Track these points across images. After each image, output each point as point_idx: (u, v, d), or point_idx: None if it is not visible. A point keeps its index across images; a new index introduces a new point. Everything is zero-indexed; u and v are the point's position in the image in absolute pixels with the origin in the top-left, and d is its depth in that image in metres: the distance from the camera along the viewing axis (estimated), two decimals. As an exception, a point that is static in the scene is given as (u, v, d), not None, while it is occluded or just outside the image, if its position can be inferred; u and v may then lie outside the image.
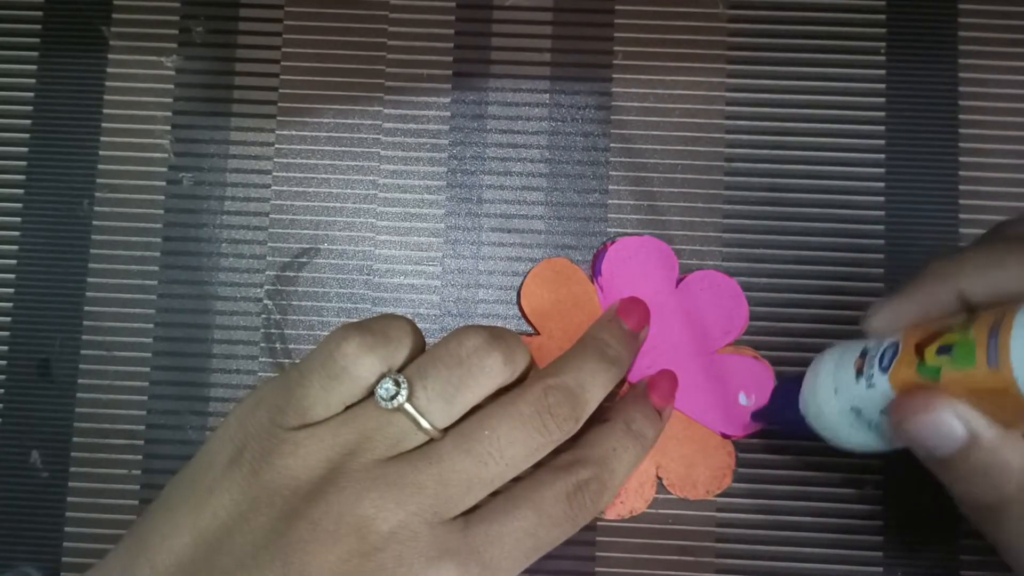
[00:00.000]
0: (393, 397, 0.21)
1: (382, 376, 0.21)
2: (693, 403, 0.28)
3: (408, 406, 0.21)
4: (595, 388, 0.24)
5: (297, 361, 0.29)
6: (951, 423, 0.21)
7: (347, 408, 0.22)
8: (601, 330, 0.26)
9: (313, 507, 0.20)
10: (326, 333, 0.29)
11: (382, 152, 0.30)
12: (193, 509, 0.21)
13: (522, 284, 0.29)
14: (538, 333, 0.29)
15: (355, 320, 0.22)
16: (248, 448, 0.21)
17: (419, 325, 0.29)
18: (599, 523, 0.28)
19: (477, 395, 0.22)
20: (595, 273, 0.29)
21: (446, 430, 0.22)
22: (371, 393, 0.22)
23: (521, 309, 0.29)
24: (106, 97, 0.30)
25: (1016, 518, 0.21)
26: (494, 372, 0.22)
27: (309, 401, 0.21)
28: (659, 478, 0.28)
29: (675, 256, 0.29)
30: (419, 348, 0.23)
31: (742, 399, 0.28)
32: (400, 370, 0.22)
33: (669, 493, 0.28)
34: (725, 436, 0.28)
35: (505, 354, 0.22)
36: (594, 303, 0.29)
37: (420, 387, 0.21)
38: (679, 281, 0.29)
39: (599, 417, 0.24)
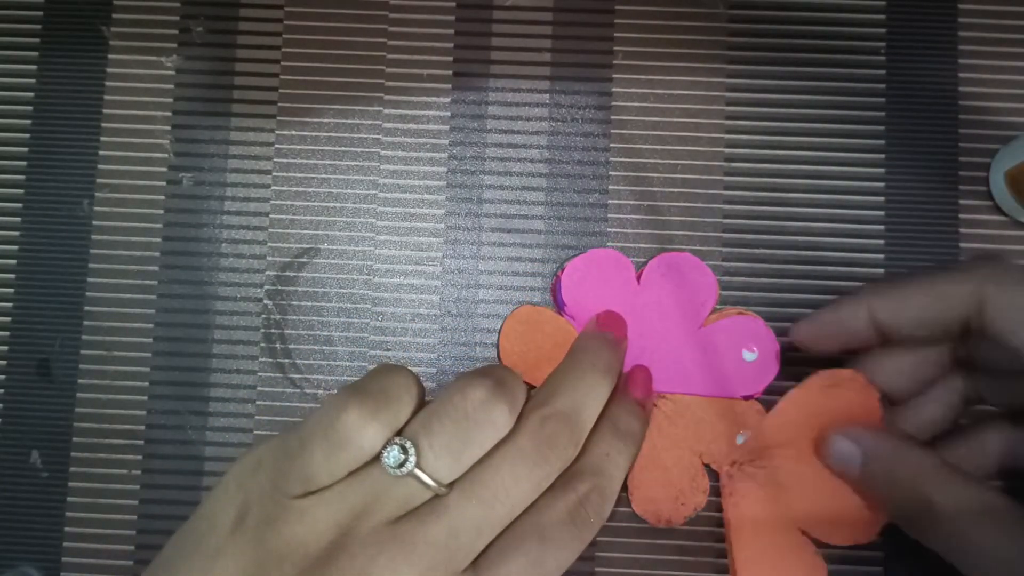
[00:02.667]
0: (401, 464, 0.21)
1: (387, 441, 0.21)
2: (704, 381, 0.28)
3: (417, 471, 0.21)
4: (591, 406, 0.23)
5: (297, 368, 0.29)
6: (845, 446, 0.24)
7: (351, 472, 0.21)
8: (588, 341, 0.26)
9: (325, 574, 0.20)
10: (326, 333, 0.29)
11: (382, 152, 0.30)
12: (199, 574, 0.20)
13: (498, 349, 0.29)
14: (532, 387, 0.28)
15: (353, 383, 0.22)
16: (251, 513, 0.21)
17: (419, 325, 0.29)
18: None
19: (484, 448, 0.22)
20: (559, 307, 0.29)
21: (452, 482, 0.21)
22: (377, 456, 0.21)
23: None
24: (106, 97, 0.30)
25: (919, 519, 0.22)
26: (500, 423, 0.22)
27: (312, 471, 0.21)
28: (706, 465, 0.28)
29: (625, 256, 0.29)
30: (421, 400, 0.22)
31: (746, 356, 0.28)
32: (404, 427, 0.22)
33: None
34: (747, 398, 0.28)
35: (511, 404, 0.22)
36: (572, 334, 0.29)
37: (427, 447, 0.21)
38: (638, 277, 0.29)
39: None
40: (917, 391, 0.26)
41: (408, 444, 0.21)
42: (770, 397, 0.28)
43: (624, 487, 0.27)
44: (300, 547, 0.20)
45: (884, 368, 0.26)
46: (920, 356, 0.25)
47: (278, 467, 0.21)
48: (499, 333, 0.29)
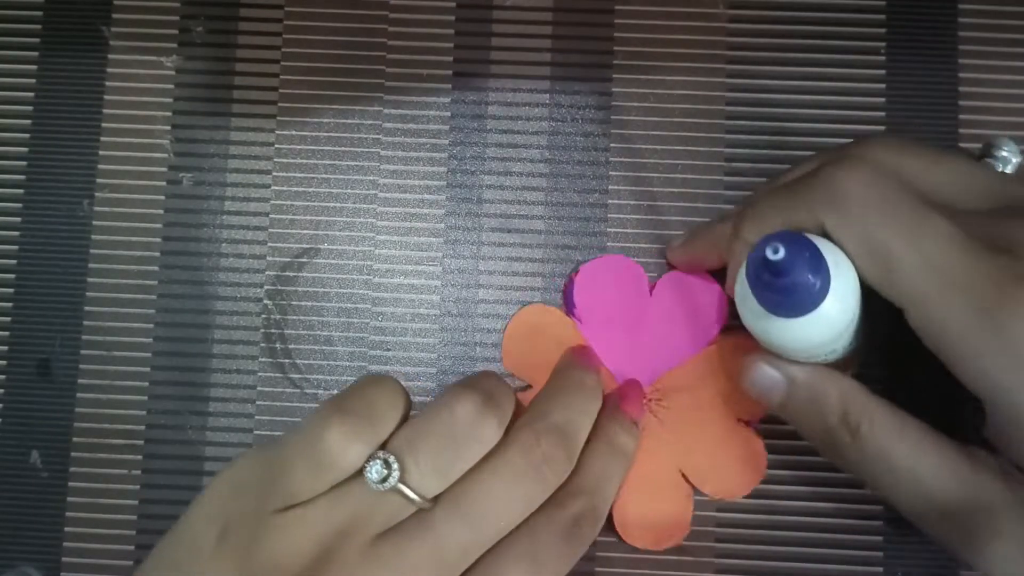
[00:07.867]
0: (384, 480, 0.20)
1: (370, 456, 0.20)
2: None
3: (400, 485, 0.20)
4: (583, 423, 0.23)
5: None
6: (768, 372, 0.23)
7: (335, 486, 0.21)
8: (570, 366, 0.26)
9: None
10: (326, 333, 0.29)
11: (382, 152, 0.30)
12: None
13: (502, 348, 0.29)
14: (530, 386, 0.28)
15: (336, 396, 0.21)
16: (233, 531, 0.20)
17: (419, 325, 0.29)
18: (599, 523, 0.28)
19: (471, 462, 0.21)
20: (569, 308, 0.29)
21: (437, 496, 0.21)
22: (360, 470, 0.21)
23: (508, 369, 0.29)
24: (106, 97, 0.30)
25: (845, 445, 0.22)
26: (488, 438, 0.21)
27: (295, 488, 0.20)
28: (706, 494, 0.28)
29: (639, 266, 0.29)
30: (407, 411, 0.22)
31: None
32: (389, 439, 0.21)
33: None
34: (747, 423, 0.28)
35: (499, 418, 0.22)
36: (578, 338, 0.28)
37: (412, 463, 0.21)
38: (651, 288, 0.29)
39: None
40: None
41: (391, 459, 0.20)
42: (769, 426, 0.28)
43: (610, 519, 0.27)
44: (284, 563, 0.20)
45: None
46: None
47: (260, 485, 0.21)
48: (504, 332, 0.29)
